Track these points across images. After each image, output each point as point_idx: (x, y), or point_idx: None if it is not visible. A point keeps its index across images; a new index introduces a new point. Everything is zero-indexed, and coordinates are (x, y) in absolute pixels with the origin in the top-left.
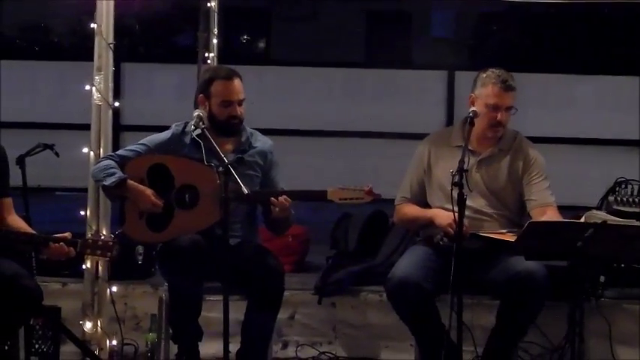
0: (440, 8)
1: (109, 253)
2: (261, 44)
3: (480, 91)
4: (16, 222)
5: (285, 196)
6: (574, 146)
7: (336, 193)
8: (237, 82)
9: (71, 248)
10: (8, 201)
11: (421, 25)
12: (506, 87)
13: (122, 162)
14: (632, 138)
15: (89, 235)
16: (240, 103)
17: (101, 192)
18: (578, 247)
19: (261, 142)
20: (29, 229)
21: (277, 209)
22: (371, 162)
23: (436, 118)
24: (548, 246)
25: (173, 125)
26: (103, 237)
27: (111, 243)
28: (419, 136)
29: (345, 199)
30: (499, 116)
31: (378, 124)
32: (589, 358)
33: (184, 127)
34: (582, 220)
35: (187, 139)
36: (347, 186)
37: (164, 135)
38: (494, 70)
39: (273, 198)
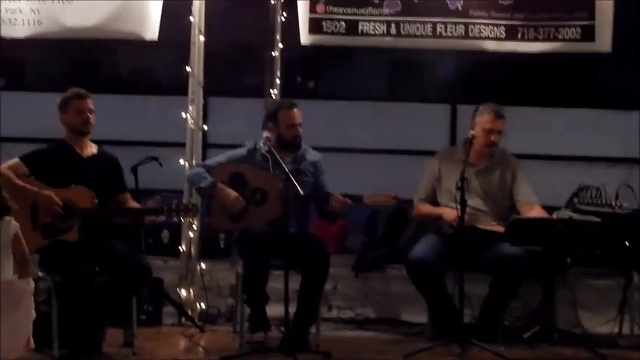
0: (444, 58)
1: (190, 213)
2: (311, 84)
3: (478, 119)
4: (134, 206)
5: (346, 197)
6: (545, 161)
7: (370, 198)
8: (297, 110)
9: (161, 216)
10: (127, 195)
11: (430, 70)
12: (498, 116)
13: (208, 170)
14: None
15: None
16: (300, 125)
17: (193, 191)
18: (550, 237)
19: (312, 154)
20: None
21: (338, 206)
22: (392, 172)
23: (441, 140)
24: (527, 235)
25: (246, 143)
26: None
27: (190, 206)
28: (430, 153)
29: (377, 202)
30: (493, 138)
31: (398, 144)
32: (556, 319)
33: (255, 144)
34: (554, 216)
35: (258, 154)
36: (378, 193)
37: (241, 151)
38: (489, 103)
39: (336, 197)
